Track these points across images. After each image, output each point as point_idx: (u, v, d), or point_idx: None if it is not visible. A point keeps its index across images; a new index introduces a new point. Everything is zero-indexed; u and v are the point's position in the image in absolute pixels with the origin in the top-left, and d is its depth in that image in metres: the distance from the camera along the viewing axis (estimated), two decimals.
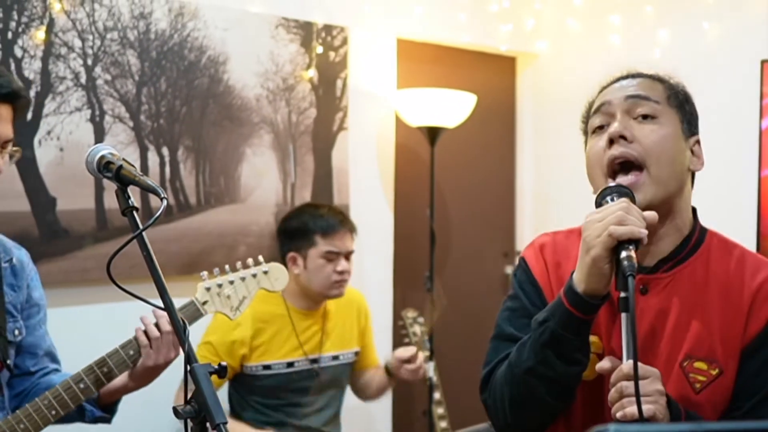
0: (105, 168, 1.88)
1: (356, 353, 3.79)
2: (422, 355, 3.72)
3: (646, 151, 1.96)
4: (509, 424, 2.04)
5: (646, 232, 1.82)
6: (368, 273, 4.53)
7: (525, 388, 1.96)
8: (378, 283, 4.61)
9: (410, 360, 3.65)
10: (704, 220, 2.12)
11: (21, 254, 2.53)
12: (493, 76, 5.33)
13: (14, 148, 2.33)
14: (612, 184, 1.96)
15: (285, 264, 3.52)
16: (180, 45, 3.82)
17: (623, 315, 1.77)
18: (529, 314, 2.07)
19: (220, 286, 2.66)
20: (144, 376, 2.53)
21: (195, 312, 2.60)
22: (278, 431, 3.52)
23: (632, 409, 1.74)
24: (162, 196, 1.76)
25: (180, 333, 1.75)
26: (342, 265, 3.57)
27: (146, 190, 1.82)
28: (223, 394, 3.61)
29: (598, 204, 1.92)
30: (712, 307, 1.98)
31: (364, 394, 3.92)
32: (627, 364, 1.77)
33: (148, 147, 3.74)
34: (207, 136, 3.93)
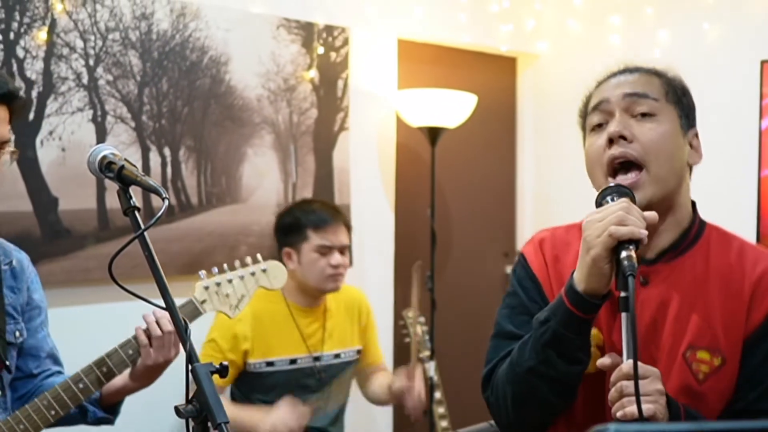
0: (107, 168, 1.88)
1: (358, 351, 3.80)
2: (419, 386, 3.70)
3: (645, 150, 1.97)
4: (512, 422, 2.05)
5: (646, 233, 1.82)
6: (369, 272, 4.54)
7: (527, 388, 1.97)
8: (379, 283, 4.62)
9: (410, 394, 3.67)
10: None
11: (21, 257, 2.53)
12: (493, 76, 5.33)
13: (12, 150, 2.33)
14: (612, 183, 1.96)
15: (281, 261, 3.54)
16: (181, 45, 3.83)
17: (623, 315, 1.78)
18: (528, 311, 2.08)
19: (218, 284, 2.66)
20: (144, 376, 2.53)
21: (193, 311, 2.60)
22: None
23: (632, 409, 1.74)
24: (164, 196, 1.75)
25: (182, 333, 1.75)
26: (336, 258, 3.58)
27: (148, 190, 1.82)
28: (225, 392, 3.62)
29: (599, 204, 1.92)
30: (713, 297, 1.99)
31: (370, 399, 3.93)
32: (627, 364, 1.78)
33: (150, 147, 3.75)
34: (208, 136, 3.94)
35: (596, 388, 1.97)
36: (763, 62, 4.33)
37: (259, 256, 2.80)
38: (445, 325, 4.73)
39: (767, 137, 4.34)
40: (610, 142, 1.98)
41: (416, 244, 4.82)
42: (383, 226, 4.68)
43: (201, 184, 3.93)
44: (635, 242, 1.81)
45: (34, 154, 3.41)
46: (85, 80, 3.55)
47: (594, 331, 1.97)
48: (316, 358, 3.64)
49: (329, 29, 4.33)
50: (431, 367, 4.27)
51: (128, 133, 3.68)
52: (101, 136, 3.59)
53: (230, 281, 2.68)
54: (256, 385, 3.56)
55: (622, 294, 1.77)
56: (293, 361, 3.60)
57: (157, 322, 2.48)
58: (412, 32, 4.75)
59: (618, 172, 1.99)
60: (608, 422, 1.94)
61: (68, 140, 3.49)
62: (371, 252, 4.56)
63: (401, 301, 4.72)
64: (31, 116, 3.40)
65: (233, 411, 3.43)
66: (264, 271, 2.78)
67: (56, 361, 2.60)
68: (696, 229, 2.07)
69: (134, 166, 1.87)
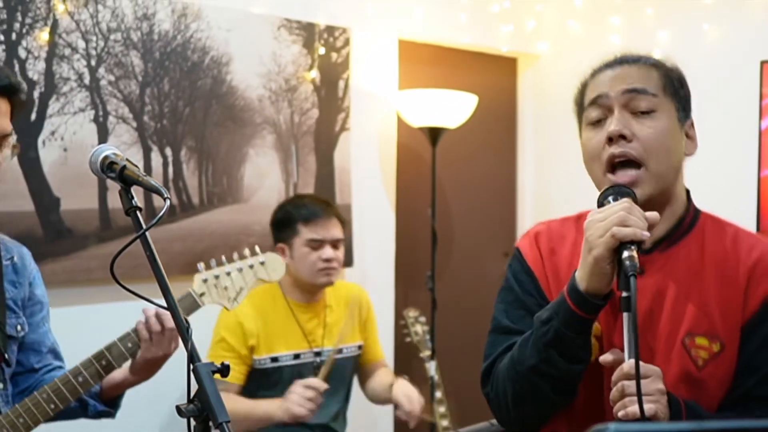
0: (108, 168, 1.88)
1: (359, 347, 3.81)
2: (418, 406, 3.68)
3: (645, 149, 1.96)
4: (512, 418, 2.06)
5: (648, 234, 1.83)
6: (370, 272, 4.55)
7: (528, 386, 1.97)
8: (379, 282, 4.62)
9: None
10: None
11: (22, 252, 2.54)
12: (494, 76, 5.34)
13: (14, 143, 2.34)
14: (610, 176, 1.97)
15: None
16: (183, 46, 3.84)
17: (625, 315, 1.78)
18: (524, 305, 2.09)
19: (217, 277, 2.67)
20: (144, 369, 2.54)
21: (192, 304, 2.61)
22: (284, 427, 3.53)
23: (634, 408, 1.75)
24: (165, 196, 1.75)
25: (183, 332, 1.75)
26: (327, 252, 3.58)
27: (149, 190, 1.82)
28: None
29: (600, 204, 1.93)
30: (710, 284, 2.00)
31: (369, 397, 3.94)
32: (628, 364, 1.78)
33: (152, 147, 3.76)
34: (210, 136, 3.95)
35: (595, 377, 1.98)
36: (762, 63, 4.34)
37: (257, 248, 2.80)
38: (445, 325, 4.74)
39: (767, 137, 4.35)
40: (610, 139, 1.98)
41: (417, 244, 4.83)
42: (384, 225, 4.69)
43: (202, 184, 3.94)
44: (637, 243, 1.81)
45: (36, 155, 3.42)
46: (86, 81, 3.56)
47: None
48: (318, 353, 3.65)
49: (330, 30, 4.34)
50: (432, 366, 4.28)
51: (130, 133, 3.69)
52: (103, 137, 3.59)
53: (229, 274, 2.69)
54: (261, 382, 3.57)
55: (624, 294, 1.78)
56: (297, 356, 3.62)
57: (157, 317, 2.49)
58: (412, 33, 4.76)
59: (617, 167, 1.99)
60: (606, 411, 1.97)
61: (70, 140, 3.50)
62: (372, 251, 4.57)
63: (402, 301, 4.74)
64: (33, 116, 3.41)
65: (244, 405, 3.45)
66: (262, 263, 2.78)
67: (57, 356, 2.61)
68: (690, 218, 2.08)
69: (136, 166, 1.87)
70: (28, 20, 3.40)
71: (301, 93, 4.24)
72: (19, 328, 2.46)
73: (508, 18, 5.11)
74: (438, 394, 4.28)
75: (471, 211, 5.26)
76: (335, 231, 3.64)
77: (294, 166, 4.25)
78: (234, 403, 3.41)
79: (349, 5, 4.44)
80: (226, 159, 4.01)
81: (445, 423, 4.22)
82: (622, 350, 1.85)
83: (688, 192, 2.11)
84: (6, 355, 2.41)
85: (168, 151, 3.81)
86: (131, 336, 2.50)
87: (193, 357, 1.72)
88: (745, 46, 4.44)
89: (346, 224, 3.75)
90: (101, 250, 3.59)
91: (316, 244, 3.58)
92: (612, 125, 1.98)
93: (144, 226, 1.79)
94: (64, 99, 3.49)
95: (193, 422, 1.71)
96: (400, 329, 4.38)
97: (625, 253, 1.80)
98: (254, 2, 4.07)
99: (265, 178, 4.15)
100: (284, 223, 3.64)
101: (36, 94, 3.41)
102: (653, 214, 1.89)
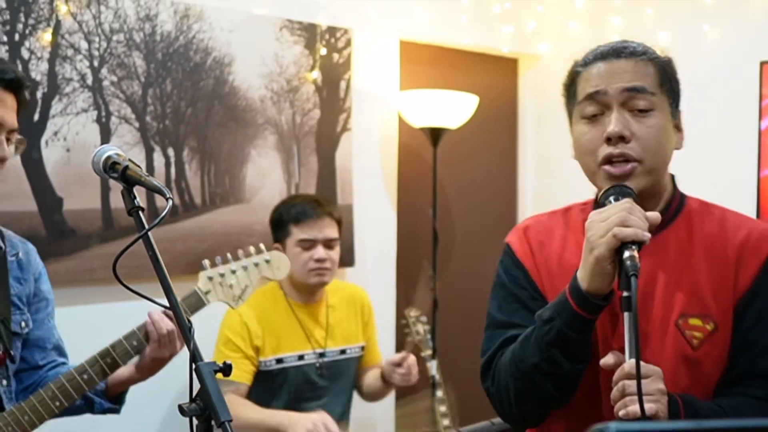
0: (111, 168, 1.89)
1: (362, 348, 3.82)
2: (412, 359, 3.70)
3: (643, 149, 1.97)
4: (514, 413, 2.07)
5: (649, 235, 1.84)
6: (371, 272, 4.56)
7: (530, 383, 1.98)
8: (381, 282, 4.63)
9: (401, 364, 3.67)
10: None
11: (28, 248, 2.55)
12: (495, 77, 5.35)
13: (19, 138, 2.35)
14: (608, 169, 1.98)
15: None
16: (185, 47, 3.85)
17: (626, 314, 1.79)
18: (518, 299, 2.11)
19: (222, 275, 2.68)
20: (150, 368, 2.56)
21: (198, 302, 2.62)
22: None
23: (634, 408, 1.76)
24: (167, 196, 1.76)
25: (185, 332, 1.76)
26: (319, 252, 3.58)
27: (152, 190, 1.83)
28: None
29: (601, 204, 1.94)
30: (700, 265, 2.01)
31: (365, 395, 3.95)
32: (629, 363, 1.78)
33: (154, 148, 3.77)
34: (212, 136, 3.96)
35: (591, 376, 1.99)
36: (762, 63, 4.35)
37: (262, 245, 2.81)
38: (446, 324, 4.75)
39: (767, 137, 4.35)
40: (608, 138, 1.98)
41: (418, 244, 4.84)
42: (385, 225, 4.70)
43: (204, 184, 3.95)
44: (638, 243, 1.82)
45: (39, 155, 3.43)
46: (89, 81, 3.57)
47: None
48: (321, 354, 3.66)
49: (332, 30, 4.35)
50: (433, 365, 4.29)
51: (132, 133, 3.70)
52: (105, 137, 3.61)
53: (234, 272, 2.70)
54: (266, 384, 3.58)
55: (625, 294, 1.79)
56: (301, 357, 3.62)
57: (163, 321, 2.50)
58: (414, 33, 4.77)
59: (613, 161, 1.99)
60: (603, 409, 1.98)
61: (73, 141, 3.52)
62: (373, 251, 4.58)
63: (403, 300, 4.75)
64: (36, 117, 3.42)
65: (259, 414, 3.45)
66: (267, 261, 2.79)
67: (62, 352, 2.62)
68: (677, 202, 2.09)
69: (138, 166, 1.88)
70: (31, 21, 3.41)
71: (303, 93, 4.26)
72: (23, 324, 2.47)
73: (509, 19, 5.12)
74: (439, 393, 4.29)
75: (472, 211, 5.26)
76: (327, 230, 3.63)
77: (296, 166, 4.26)
78: (247, 411, 3.42)
79: (351, 6, 4.45)
80: (228, 159, 4.02)
81: (446, 422, 4.23)
82: (620, 350, 1.86)
83: (673, 177, 2.13)
84: (11, 352, 2.42)
85: (170, 152, 3.82)
86: (136, 334, 2.51)
87: (195, 356, 1.73)
88: (744, 46, 4.45)
89: (341, 223, 3.75)
90: (104, 249, 3.61)
91: (308, 245, 3.59)
92: (612, 126, 1.98)
93: (146, 226, 1.80)
94: (66, 99, 3.50)
95: (195, 421, 1.71)
96: (402, 329, 4.39)
97: (626, 253, 1.80)
98: (256, 3, 4.08)
99: (266, 179, 4.16)
100: (278, 224, 3.66)
101: (39, 94, 3.42)
102: (654, 215, 1.90)
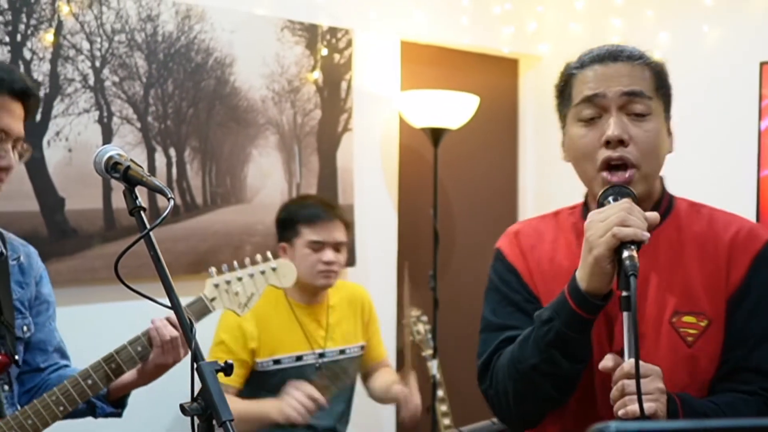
0: (113, 168, 1.89)
1: (362, 347, 3.82)
2: (415, 395, 3.72)
3: (641, 153, 1.99)
4: (512, 415, 2.08)
5: (648, 235, 1.84)
6: (372, 271, 4.57)
7: (530, 384, 1.99)
8: (381, 282, 4.64)
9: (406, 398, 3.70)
10: None
11: (29, 251, 2.55)
12: (495, 77, 5.36)
13: (25, 146, 2.36)
14: (606, 176, 1.99)
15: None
16: (187, 47, 3.86)
17: (625, 314, 1.80)
18: (512, 302, 2.12)
19: (228, 282, 2.67)
20: (153, 374, 2.55)
21: (203, 308, 2.62)
22: (287, 428, 3.54)
23: (634, 407, 1.76)
24: (169, 196, 1.76)
25: (187, 331, 1.75)
26: (328, 255, 3.58)
27: (153, 190, 1.83)
28: None
29: (600, 204, 1.94)
30: (691, 264, 2.03)
31: (373, 397, 3.95)
32: (628, 363, 1.79)
33: (156, 148, 3.78)
34: (213, 137, 3.97)
35: (585, 376, 2.00)
36: (762, 64, 4.36)
37: (269, 254, 2.82)
38: (447, 324, 4.76)
39: (766, 138, 4.36)
40: (607, 142, 1.99)
41: (419, 244, 4.85)
42: (386, 225, 4.71)
43: (206, 184, 3.96)
44: (637, 243, 1.83)
45: (40, 155, 3.44)
46: (91, 82, 3.58)
47: None
48: (321, 355, 3.67)
49: (333, 31, 4.36)
50: (434, 365, 4.30)
51: (134, 134, 3.71)
52: (107, 137, 3.61)
53: (240, 279, 2.69)
54: (263, 384, 3.57)
55: (624, 293, 1.79)
56: (299, 358, 3.62)
57: (166, 327, 2.51)
58: (414, 34, 4.78)
59: (610, 167, 2.00)
60: (598, 410, 1.99)
61: (75, 141, 3.53)
62: (374, 251, 4.59)
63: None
64: (38, 117, 3.42)
65: (241, 405, 3.45)
66: (274, 269, 2.79)
67: (63, 354, 2.62)
68: (666, 202, 2.11)
69: (140, 166, 1.88)
70: (33, 22, 3.42)
71: (304, 94, 4.26)
72: (25, 329, 2.47)
73: (510, 19, 5.13)
74: (440, 393, 4.30)
75: (472, 211, 5.27)
76: (337, 234, 3.64)
77: (297, 166, 4.27)
78: (230, 403, 3.41)
79: (352, 7, 4.46)
80: (229, 159, 4.03)
81: (446, 421, 4.24)
82: (615, 351, 1.88)
83: (661, 179, 2.14)
84: (16, 357, 2.43)
85: (172, 152, 3.83)
86: (141, 340, 2.51)
87: (196, 356, 1.73)
88: (744, 47, 4.46)
89: (349, 227, 3.76)
90: (105, 249, 3.62)
91: (317, 246, 3.58)
92: (611, 130, 1.98)
93: (148, 226, 1.80)
94: (68, 100, 3.51)
95: (197, 420, 1.72)
96: (402, 328, 4.40)
97: (626, 253, 1.81)
98: (257, 4, 4.09)
99: (268, 179, 4.17)
100: (287, 223, 3.65)
101: (41, 95, 3.42)
102: (653, 215, 1.91)
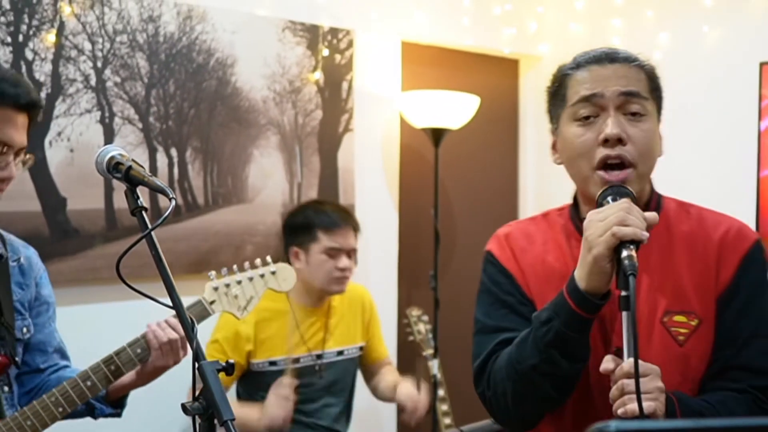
0: (114, 169, 1.89)
1: (361, 348, 3.83)
2: (423, 404, 3.73)
3: (638, 153, 2.00)
4: (512, 416, 2.08)
5: (647, 234, 1.85)
6: (373, 271, 4.58)
7: (529, 384, 1.99)
8: (382, 282, 4.64)
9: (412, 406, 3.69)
10: None
11: (29, 253, 2.55)
12: (496, 78, 5.36)
13: (27, 156, 2.37)
14: (603, 175, 2.00)
15: (288, 259, 3.56)
16: (188, 48, 3.87)
17: (624, 314, 1.80)
18: (506, 304, 2.12)
19: (227, 285, 2.68)
20: (152, 375, 2.56)
21: (202, 311, 2.62)
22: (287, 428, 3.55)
23: (633, 406, 1.77)
24: (171, 196, 1.76)
25: (188, 331, 1.76)
26: (343, 262, 3.59)
27: (155, 190, 1.83)
28: (230, 392, 3.66)
29: (599, 204, 1.95)
30: (681, 263, 2.04)
31: (377, 397, 3.95)
32: (628, 362, 1.79)
33: (157, 148, 3.79)
34: (215, 137, 3.98)
35: (582, 377, 2.00)
36: (762, 64, 4.37)
37: (268, 258, 2.82)
38: (448, 323, 4.77)
39: (766, 138, 4.37)
40: (605, 140, 2.00)
41: (420, 244, 4.86)
42: (387, 225, 4.72)
43: (207, 184, 3.96)
44: (636, 242, 1.83)
45: (42, 155, 3.44)
46: (93, 82, 3.59)
47: None
48: (319, 356, 3.67)
49: (334, 32, 4.37)
50: (435, 364, 4.30)
51: (135, 134, 3.72)
52: (109, 137, 3.62)
53: (239, 282, 2.70)
54: (260, 384, 3.58)
55: (623, 293, 1.80)
56: (296, 360, 3.62)
57: (164, 330, 2.52)
58: (415, 35, 4.78)
59: (607, 166, 2.01)
60: (594, 409, 2.00)
61: (76, 141, 3.53)
62: (375, 251, 4.60)
63: (405, 300, 4.77)
64: (40, 117, 3.42)
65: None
66: (273, 273, 2.79)
67: (63, 355, 2.63)
68: (655, 203, 2.12)
69: (141, 166, 1.88)
70: (34, 22, 3.43)
71: (305, 94, 4.27)
72: (25, 330, 2.48)
73: (510, 20, 5.14)
74: (441, 392, 4.30)
75: (473, 211, 5.28)
76: (352, 241, 3.65)
77: (298, 166, 4.28)
78: None
79: (353, 7, 4.47)
80: (230, 159, 4.04)
81: (447, 421, 4.24)
82: (611, 351, 1.89)
83: (650, 179, 2.15)
84: (16, 359, 2.44)
85: (173, 152, 3.84)
86: (140, 342, 2.51)
87: (198, 355, 1.73)
88: (744, 47, 4.46)
89: (359, 233, 3.76)
90: (107, 249, 3.62)
91: (334, 252, 3.58)
92: (610, 128, 1.99)
93: (150, 226, 1.80)
94: (70, 100, 3.52)
95: (198, 420, 1.72)
96: (403, 328, 4.41)
97: (625, 252, 1.81)
98: (259, 4, 4.10)
99: (269, 179, 4.17)
100: (303, 228, 3.62)
101: (43, 95, 3.43)
102: (652, 215, 1.92)
